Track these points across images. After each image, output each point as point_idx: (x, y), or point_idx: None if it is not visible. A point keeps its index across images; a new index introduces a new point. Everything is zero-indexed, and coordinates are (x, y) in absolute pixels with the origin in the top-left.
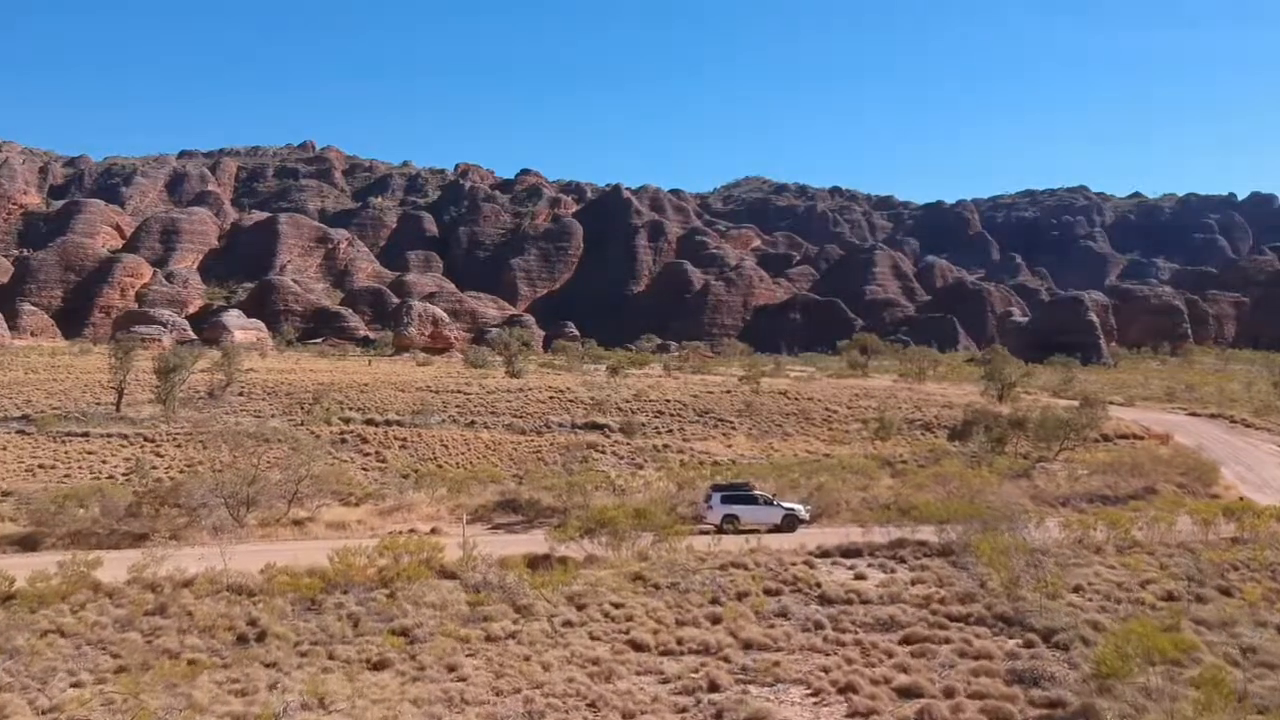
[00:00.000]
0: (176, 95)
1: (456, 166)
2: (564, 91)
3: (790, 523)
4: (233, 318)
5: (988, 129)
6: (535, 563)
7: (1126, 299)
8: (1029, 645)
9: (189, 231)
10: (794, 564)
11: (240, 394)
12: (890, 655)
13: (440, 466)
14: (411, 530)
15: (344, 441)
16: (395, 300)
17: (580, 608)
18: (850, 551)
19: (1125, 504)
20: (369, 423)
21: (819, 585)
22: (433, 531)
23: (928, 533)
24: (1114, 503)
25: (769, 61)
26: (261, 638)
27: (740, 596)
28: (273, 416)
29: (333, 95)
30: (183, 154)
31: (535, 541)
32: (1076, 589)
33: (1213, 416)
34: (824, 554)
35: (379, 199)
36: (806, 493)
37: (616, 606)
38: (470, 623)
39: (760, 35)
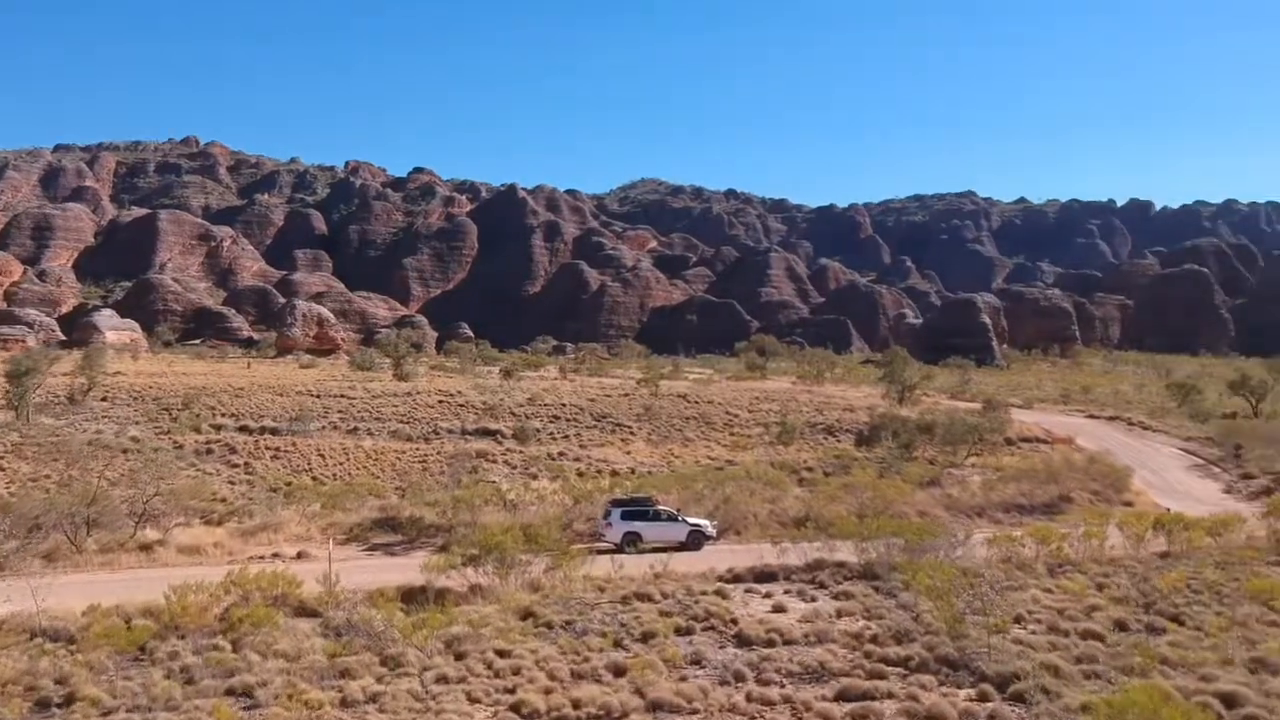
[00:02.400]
0: (51, 87)
1: (347, 164)
2: (458, 89)
3: (696, 540)
4: (104, 318)
5: (877, 133)
6: (412, 595)
7: (1017, 301)
8: (983, 698)
9: (63, 228)
10: (705, 593)
11: (104, 399)
12: (827, 718)
13: (315, 479)
14: (275, 554)
15: (210, 452)
16: (281, 300)
17: (459, 657)
18: (764, 575)
19: (1042, 513)
20: (242, 430)
21: (735, 621)
22: (299, 556)
23: (847, 551)
24: (1030, 512)
25: (663, 61)
26: (69, 702)
27: (646, 638)
28: (135, 424)
29: (217, 89)
30: (58, 147)
31: (415, 565)
32: (1018, 619)
33: (1110, 419)
34: (736, 578)
35: (265, 196)
36: (712, 505)
37: (502, 655)
38: (326, 679)
39: (655, 34)
